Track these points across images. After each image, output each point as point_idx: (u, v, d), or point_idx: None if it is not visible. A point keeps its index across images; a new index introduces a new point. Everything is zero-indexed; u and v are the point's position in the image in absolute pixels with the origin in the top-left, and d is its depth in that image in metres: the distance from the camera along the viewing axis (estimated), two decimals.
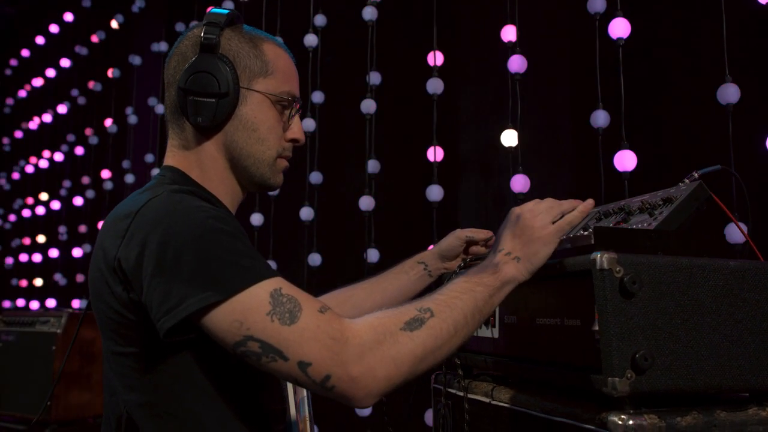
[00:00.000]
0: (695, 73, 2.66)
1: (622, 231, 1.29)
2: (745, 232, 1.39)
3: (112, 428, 1.35)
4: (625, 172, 2.24)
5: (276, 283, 1.21)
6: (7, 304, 6.11)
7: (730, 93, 2.07)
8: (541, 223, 1.37)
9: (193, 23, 1.51)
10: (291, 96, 1.48)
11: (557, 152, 3.22)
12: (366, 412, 3.02)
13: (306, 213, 3.34)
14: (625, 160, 2.22)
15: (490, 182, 3.35)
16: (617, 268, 1.15)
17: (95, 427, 3.58)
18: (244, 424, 1.33)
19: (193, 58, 1.41)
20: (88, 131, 5.39)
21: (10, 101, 6.73)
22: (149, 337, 1.28)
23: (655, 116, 2.80)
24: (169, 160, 1.48)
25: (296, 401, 1.75)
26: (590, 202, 1.43)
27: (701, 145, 2.55)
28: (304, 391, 1.78)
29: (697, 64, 2.65)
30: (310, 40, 3.37)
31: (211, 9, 1.48)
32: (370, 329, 1.20)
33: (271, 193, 3.52)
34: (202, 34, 1.41)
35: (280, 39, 1.55)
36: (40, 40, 6.22)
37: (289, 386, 1.62)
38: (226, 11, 1.46)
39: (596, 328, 1.16)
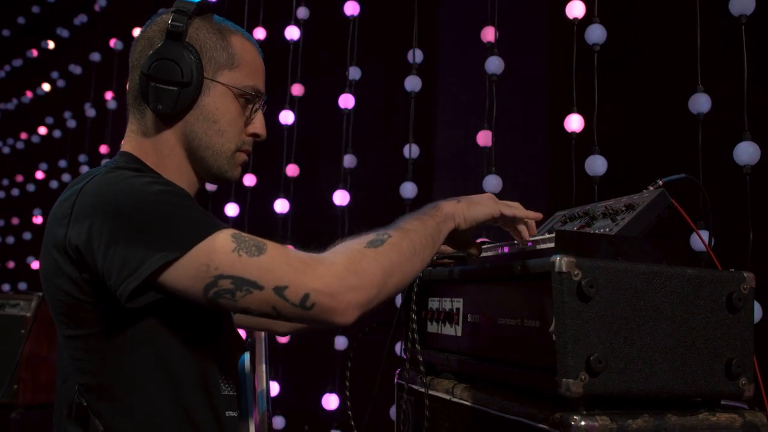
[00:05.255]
0: (668, 81, 2.69)
1: (584, 235, 1.31)
2: (706, 240, 1.41)
3: (64, 415, 1.36)
4: (595, 177, 2.26)
5: (233, 230, 1.24)
6: None
7: (700, 102, 2.10)
8: (490, 196, 1.48)
9: (162, 9, 1.51)
10: (255, 90, 1.48)
11: (532, 154, 3.25)
12: (334, 405, 3.04)
13: (281, 205, 3.34)
14: (596, 165, 2.25)
15: (466, 181, 3.36)
16: (575, 272, 1.16)
17: None
18: (195, 406, 1.35)
19: (159, 45, 1.41)
20: (67, 114, 5.34)
21: None
22: (102, 317, 1.30)
23: (628, 122, 2.83)
24: (126, 146, 1.48)
25: (255, 394, 1.75)
26: (539, 215, 1.51)
27: (673, 153, 2.58)
28: (264, 383, 1.78)
29: (671, 72, 2.68)
30: (292, 32, 3.37)
31: None
32: (337, 252, 1.25)
33: (247, 184, 3.52)
34: (169, 21, 1.40)
35: (249, 33, 1.55)
36: (21, 20, 6.16)
37: (247, 375, 1.62)
38: (197, 0, 1.45)
39: (553, 329, 1.18)
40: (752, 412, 1.26)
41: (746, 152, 1.92)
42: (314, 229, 3.63)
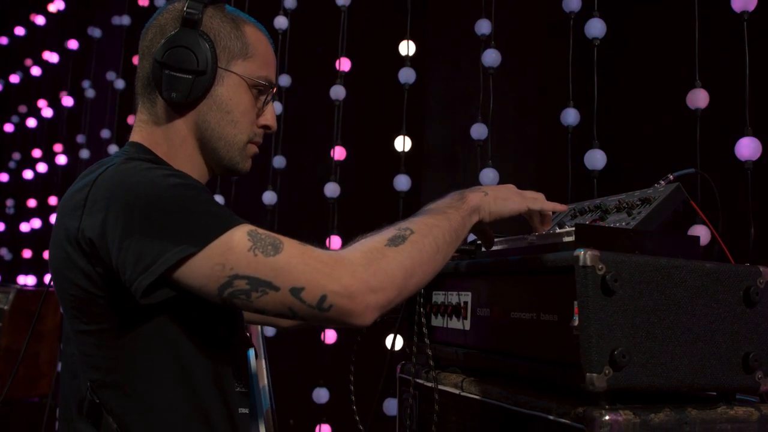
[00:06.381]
0: (666, 76, 2.70)
1: (602, 229, 1.31)
2: (717, 234, 1.42)
3: (73, 412, 1.32)
4: (594, 171, 2.27)
5: (250, 226, 1.20)
6: None
7: (699, 98, 2.11)
8: (518, 189, 1.44)
9: None
10: (268, 81, 1.46)
11: (525, 148, 3.25)
12: (323, 398, 3.02)
13: (269, 197, 3.30)
14: (595, 159, 2.25)
15: (455, 174, 3.36)
16: (599, 266, 1.16)
17: (41, 407, 3.50)
18: (210, 404, 1.32)
19: (173, 32, 1.38)
20: (42, 103, 5.24)
21: None
22: (116, 312, 1.27)
23: (624, 117, 2.84)
24: (135, 135, 1.45)
25: (259, 389, 1.73)
26: (564, 207, 1.49)
27: (669, 148, 2.60)
28: (266, 380, 1.76)
29: (669, 67, 2.69)
30: (280, 22, 3.33)
31: None
32: (356, 250, 1.21)
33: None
34: (184, 9, 1.38)
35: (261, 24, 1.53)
36: None
37: (254, 372, 1.60)
38: None
39: (575, 323, 1.17)
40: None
41: (748, 148, 1.93)
42: (303, 222, 3.60)
